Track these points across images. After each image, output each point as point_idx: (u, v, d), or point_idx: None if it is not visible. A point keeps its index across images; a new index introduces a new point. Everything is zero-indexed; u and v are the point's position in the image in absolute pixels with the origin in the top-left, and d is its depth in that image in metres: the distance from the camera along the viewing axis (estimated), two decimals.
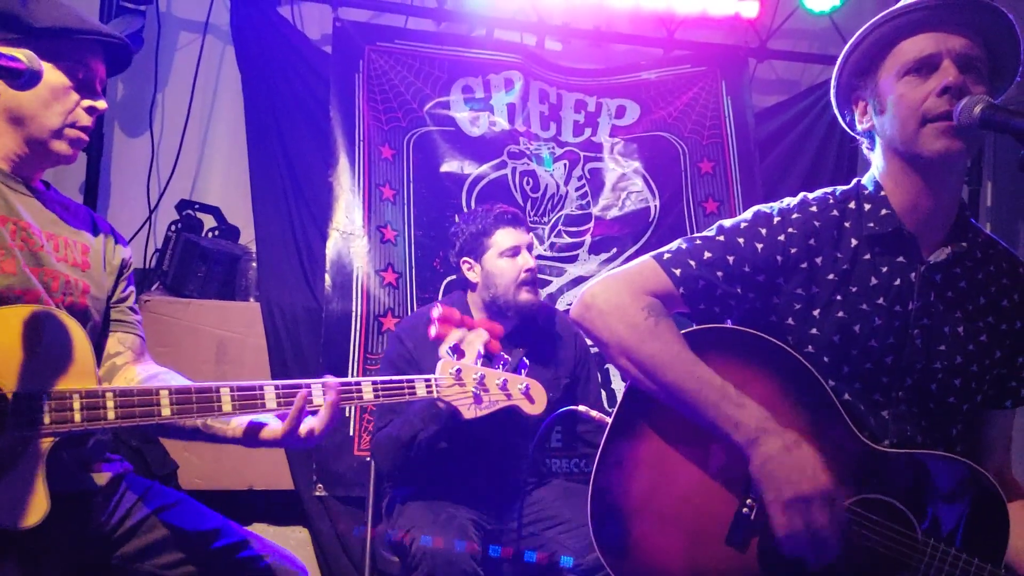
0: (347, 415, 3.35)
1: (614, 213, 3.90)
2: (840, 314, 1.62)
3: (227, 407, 1.64)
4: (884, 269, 1.63)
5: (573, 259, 3.82)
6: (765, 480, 1.49)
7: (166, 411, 1.60)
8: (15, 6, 1.66)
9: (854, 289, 1.63)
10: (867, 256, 1.64)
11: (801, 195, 1.72)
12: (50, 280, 1.67)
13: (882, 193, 1.65)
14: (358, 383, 1.76)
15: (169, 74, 3.72)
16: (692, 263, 1.64)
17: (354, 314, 3.43)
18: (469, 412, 1.87)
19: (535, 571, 2.56)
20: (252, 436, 1.72)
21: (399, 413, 2.59)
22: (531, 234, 2.90)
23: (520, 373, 1.97)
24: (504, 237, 2.76)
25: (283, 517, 3.44)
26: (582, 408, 2.52)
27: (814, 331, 1.63)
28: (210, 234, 3.56)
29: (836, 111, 1.76)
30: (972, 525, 1.57)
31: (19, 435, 1.49)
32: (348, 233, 3.50)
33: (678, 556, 1.57)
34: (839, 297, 1.63)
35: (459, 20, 3.94)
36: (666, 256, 1.66)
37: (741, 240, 1.65)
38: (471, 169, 3.74)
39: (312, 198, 3.56)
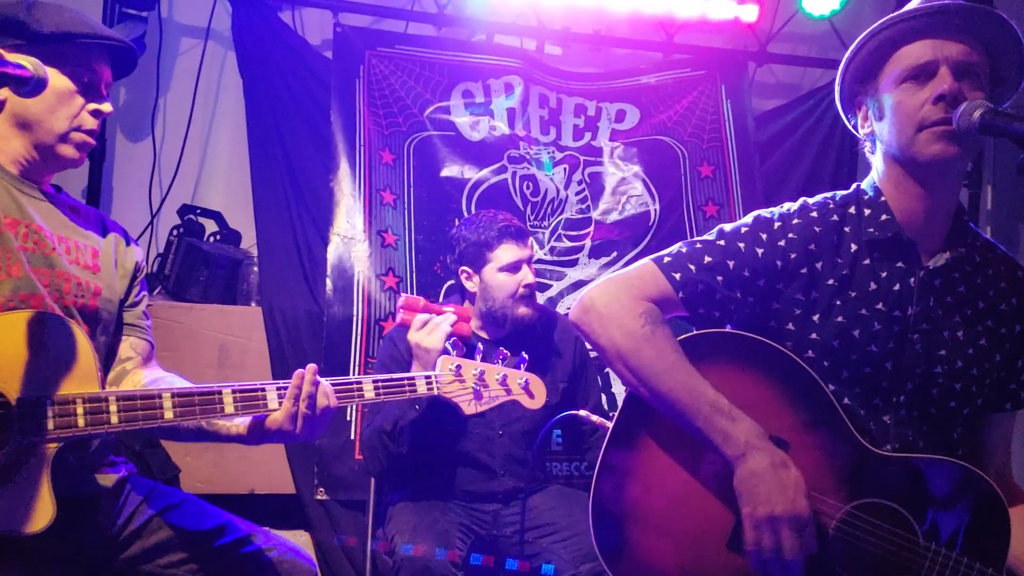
0: (348, 418, 3.35)
1: (614, 217, 3.91)
2: (840, 319, 1.63)
3: (229, 409, 1.65)
4: (883, 274, 1.64)
5: (573, 263, 3.83)
6: (744, 494, 1.51)
7: (168, 414, 1.61)
8: (20, 12, 1.67)
9: (853, 294, 1.63)
10: (866, 261, 1.65)
11: (801, 200, 1.73)
12: (62, 282, 1.68)
13: (882, 198, 1.66)
14: (359, 381, 1.77)
15: (171, 79, 3.73)
16: (692, 267, 1.64)
17: (355, 318, 3.44)
18: (469, 408, 1.88)
19: None
20: (256, 429, 1.73)
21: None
22: (532, 247, 2.87)
23: (520, 368, 1.97)
24: (506, 252, 2.72)
25: (285, 521, 3.43)
26: (582, 412, 2.53)
27: (814, 336, 1.64)
28: (212, 239, 3.57)
29: (843, 115, 1.77)
30: (973, 529, 1.58)
31: (24, 441, 1.49)
32: (349, 237, 3.51)
33: (680, 562, 1.57)
34: (839, 302, 1.63)
35: (459, 25, 3.95)
36: (666, 260, 1.67)
37: (741, 245, 1.65)
38: (471, 174, 3.75)
39: (313, 202, 3.57)
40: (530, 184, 3.82)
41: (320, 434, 1.77)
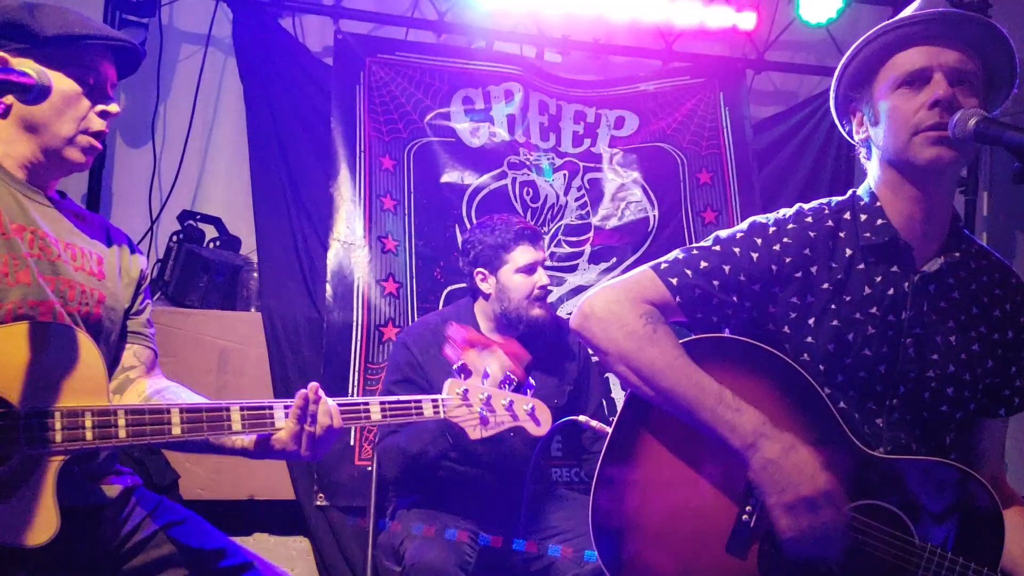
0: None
1: (613, 223, 3.92)
2: (834, 323, 1.64)
3: (236, 427, 1.64)
4: (878, 279, 1.65)
5: (573, 268, 3.85)
6: (765, 484, 1.51)
7: (176, 430, 1.59)
8: (23, 16, 1.66)
9: (848, 298, 1.65)
10: (861, 266, 1.66)
11: (797, 206, 1.75)
12: (66, 289, 1.66)
13: (877, 204, 1.67)
14: (366, 403, 1.76)
15: (171, 85, 3.75)
16: (688, 272, 1.66)
17: (355, 324, 3.45)
18: (475, 433, 1.88)
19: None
20: (261, 445, 1.72)
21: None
22: (544, 250, 2.92)
23: (526, 393, 1.97)
24: (522, 254, 2.78)
25: (284, 527, 3.44)
26: (582, 418, 2.54)
27: (809, 339, 1.65)
28: (212, 244, 3.58)
29: (836, 120, 1.79)
30: (968, 530, 1.59)
31: (31, 453, 1.48)
32: (349, 243, 3.52)
33: (679, 564, 1.58)
34: (833, 306, 1.65)
35: (459, 32, 3.97)
36: (663, 266, 1.68)
37: (737, 250, 1.67)
38: (471, 179, 3.76)
39: (313, 208, 3.59)
40: (530, 190, 3.84)
41: (324, 453, 1.76)
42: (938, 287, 1.67)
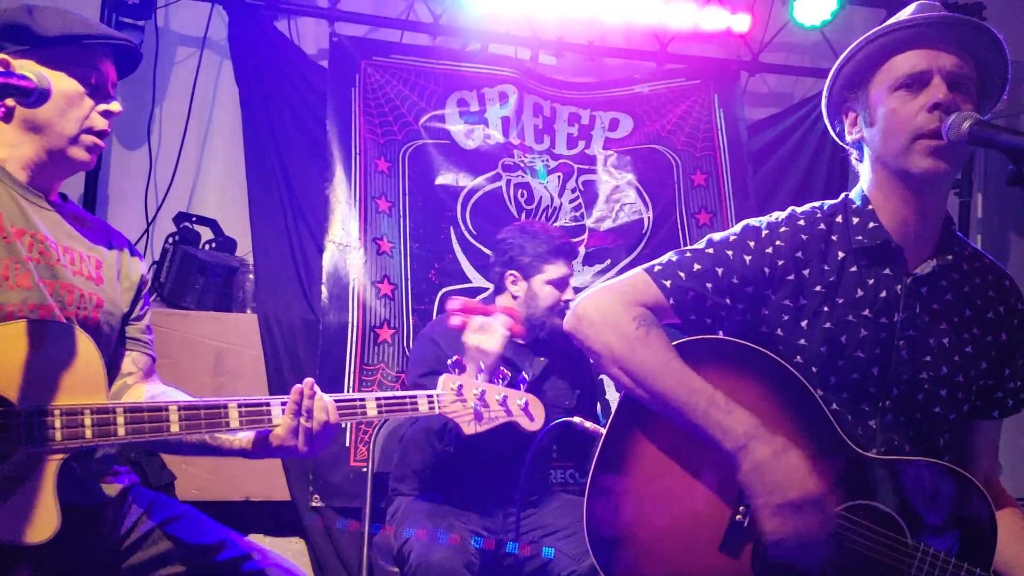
0: (343, 425, 3.36)
1: (608, 225, 3.93)
2: (827, 325, 1.65)
3: (234, 423, 1.65)
4: (870, 281, 1.66)
5: None
6: (754, 486, 1.52)
7: (175, 427, 1.61)
8: (23, 17, 1.66)
9: (840, 301, 1.66)
10: (853, 268, 1.67)
11: (789, 209, 1.75)
12: (65, 293, 1.67)
13: (869, 206, 1.68)
14: (362, 399, 1.77)
15: (167, 88, 3.75)
16: (681, 275, 1.66)
17: (350, 325, 3.45)
18: (469, 428, 1.89)
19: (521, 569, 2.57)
20: (259, 444, 1.73)
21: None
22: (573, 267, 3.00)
23: (519, 388, 1.98)
24: (558, 268, 2.86)
25: (280, 528, 3.44)
26: (576, 419, 2.55)
27: (802, 342, 1.66)
28: (207, 246, 3.58)
29: (827, 121, 1.79)
30: (961, 531, 1.60)
31: (31, 451, 1.49)
32: (344, 245, 3.53)
33: (674, 564, 1.59)
34: (826, 308, 1.65)
35: (454, 35, 3.98)
36: (656, 268, 1.69)
37: (730, 253, 1.68)
38: (466, 181, 3.77)
39: (309, 210, 3.59)
40: (524, 192, 3.85)
41: (321, 450, 1.77)
42: (931, 289, 1.68)
